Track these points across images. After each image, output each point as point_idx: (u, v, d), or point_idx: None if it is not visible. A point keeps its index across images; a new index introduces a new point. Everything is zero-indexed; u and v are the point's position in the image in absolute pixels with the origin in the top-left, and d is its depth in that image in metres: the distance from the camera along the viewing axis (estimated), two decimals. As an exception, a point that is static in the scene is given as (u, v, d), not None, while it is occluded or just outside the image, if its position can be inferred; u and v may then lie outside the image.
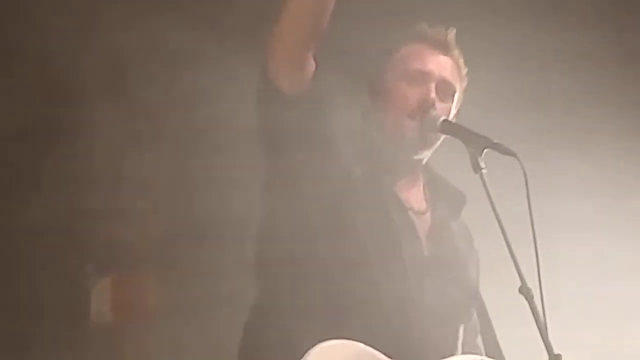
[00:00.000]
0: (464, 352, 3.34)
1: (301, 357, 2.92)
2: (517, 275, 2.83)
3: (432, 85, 3.18)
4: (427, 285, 3.18)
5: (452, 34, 3.34)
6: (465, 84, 3.34)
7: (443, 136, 3.17)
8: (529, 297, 2.78)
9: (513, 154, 2.96)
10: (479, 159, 2.97)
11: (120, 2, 4.85)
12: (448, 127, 3.09)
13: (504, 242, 2.86)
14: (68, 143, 5.01)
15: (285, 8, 2.93)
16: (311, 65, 2.99)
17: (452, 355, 3.26)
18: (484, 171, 2.95)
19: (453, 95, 3.25)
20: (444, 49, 3.29)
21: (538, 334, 2.77)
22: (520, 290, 2.80)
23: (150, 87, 4.75)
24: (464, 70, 3.32)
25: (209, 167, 4.83)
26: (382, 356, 3.02)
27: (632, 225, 4.97)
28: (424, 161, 3.32)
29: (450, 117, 3.22)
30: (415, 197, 3.33)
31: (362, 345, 3.01)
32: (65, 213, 4.66)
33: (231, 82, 4.30)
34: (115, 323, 4.81)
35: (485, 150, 2.99)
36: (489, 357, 3.28)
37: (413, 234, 3.22)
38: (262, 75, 3.02)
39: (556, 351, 2.71)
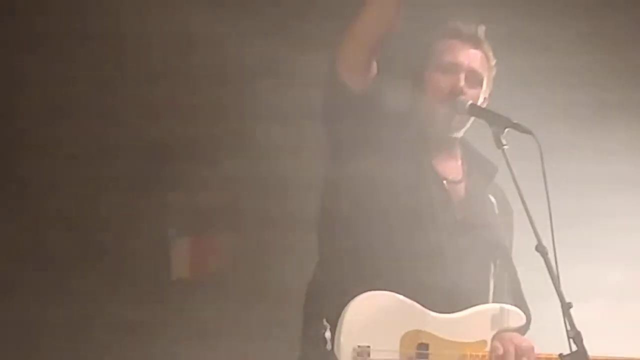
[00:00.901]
0: (494, 302, 3.68)
1: (349, 301, 3.37)
2: (534, 236, 3.20)
3: (462, 75, 3.54)
4: (458, 243, 3.58)
5: (482, 29, 3.71)
6: (493, 73, 3.70)
7: (472, 118, 3.57)
8: (544, 254, 3.15)
9: (530, 132, 3.33)
10: (501, 137, 3.35)
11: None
12: (474, 110, 3.48)
13: (522, 208, 3.26)
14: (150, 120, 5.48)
15: (356, 22, 3.39)
16: (374, 68, 3.45)
17: (483, 304, 3.63)
18: (505, 147, 3.33)
19: (481, 83, 3.62)
20: (475, 43, 3.65)
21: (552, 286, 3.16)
22: (537, 248, 3.16)
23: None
24: (493, 61, 3.69)
25: (272, 138, 5.25)
26: (418, 305, 3.42)
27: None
28: (460, 138, 3.72)
29: (480, 102, 3.60)
30: (451, 168, 3.71)
31: (400, 296, 3.41)
32: (152, 185, 5.04)
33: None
34: (192, 278, 5.26)
35: (507, 130, 3.36)
36: (517, 306, 3.64)
37: (446, 200, 3.62)
38: (332, 75, 3.48)
39: (567, 300, 3.09)
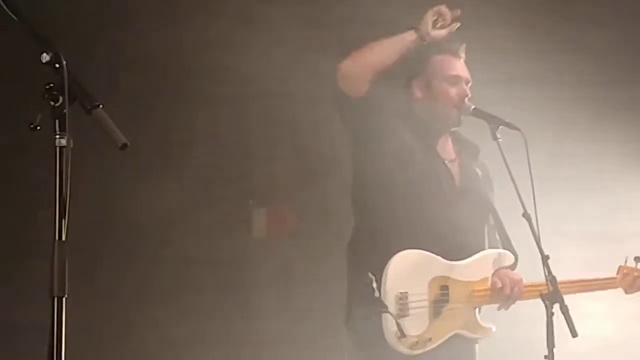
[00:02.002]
0: (489, 248, 4.56)
1: (390, 257, 4.27)
2: (521, 205, 4.05)
3: (464, 84, 4.39)
4: (460, 205, 4.47)
5: (463, 46, 4.53)
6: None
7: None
8: (528, 219, 4.03)
9: (518, 129, 4.20)
10: (496, 132, 4.22)
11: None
12: (477, 112, 4.32)
13: (512, 185, 4.10)
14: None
15: (369, 51, 4.25)
16: (368, 84, 4.26)
17: (482, 250, 4.51)
18: (499, 140, 4.21)
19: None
20: (459, 55, 4.47)
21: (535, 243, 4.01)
22: (523, 215, 4.04)
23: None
24: None
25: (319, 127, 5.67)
26: (439, 257, 4.33)
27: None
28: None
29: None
30: (447, 151, 4.58)
31: (427, 252, 4.32)
32: (235, 164, 5.60)
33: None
34: (267, 238, 5.88)
35: (500, 127, 4.22)
36: (505, 249, 4.50)
37: (449, 175, 4.50)
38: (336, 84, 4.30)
39: (546, 253, 3.96)
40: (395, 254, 4.29)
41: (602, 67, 5.54)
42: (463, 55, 4.42)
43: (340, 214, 5.12)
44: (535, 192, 4.01)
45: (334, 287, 4.55)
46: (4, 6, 2.49)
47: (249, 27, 5.70)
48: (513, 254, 4.51)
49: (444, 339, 4.32)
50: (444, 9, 4.33)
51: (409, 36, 4.34)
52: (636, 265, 4.52)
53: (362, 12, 5.58)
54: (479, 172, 4.66)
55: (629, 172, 5.55)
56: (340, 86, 4.35)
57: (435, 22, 4.32)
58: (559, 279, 3.99)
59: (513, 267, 4.54)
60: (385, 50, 4.35)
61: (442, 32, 4.32)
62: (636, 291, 4.56)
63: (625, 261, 4.51)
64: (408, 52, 4.36)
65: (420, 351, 4.27)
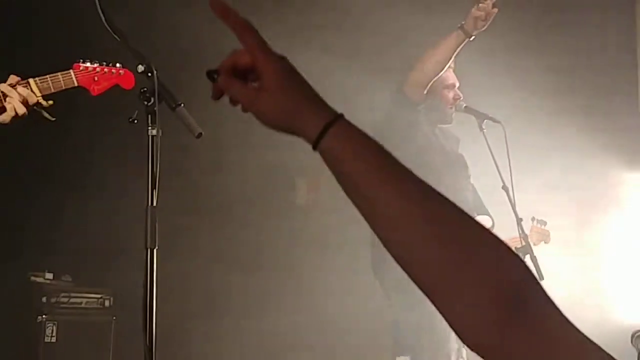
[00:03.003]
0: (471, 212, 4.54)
1: None
2: (501, 180, 4.12)
3: (456, 88, 4.34)
4: (456, 178, 4.38)
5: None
6: None
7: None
8: (507, 191, 4.10)
9: (499, 122, 4.24)
10: (482, 125, 4.27)
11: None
12: (466, 109, 4.34)
13: (495, 166, 4.14)
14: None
15: (428, 60, 4.10)
16: (426, 90, 4.15)
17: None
18: (484, 130, 4.27)
19: None
20: (452, 67, 4.32)
21: (511, 209, 4.07)
22: (502, 187, 4.12)
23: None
24: None
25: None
26: None
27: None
28: None
29: None
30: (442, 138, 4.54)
31: None
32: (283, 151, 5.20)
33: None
34: (307, 204, 5.73)
35: (485, 120, 4.27)
36: (482, 214, 4.44)
37: (447, 151, 4.43)
38: (398, 90, 4.24)
39: (520, 216, 4.05)
40: None
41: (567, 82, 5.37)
42: (453, 65, 4.37)
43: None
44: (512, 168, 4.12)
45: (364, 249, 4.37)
46: (111, 31, 2.58)
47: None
48: (490, 217, 4.49)
49: None
50: (487, 5, 3.98)
51: (458, 37, 4.06)
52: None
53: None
54: (462, 154, 4.65)
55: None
56: (407, 93, 4.18)
57: (478, 19, 3.97)
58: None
59: (491, 228, 4.54)
60: (443, 58, 4.12)
61: (484, 26, 4.02)
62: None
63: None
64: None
65: None
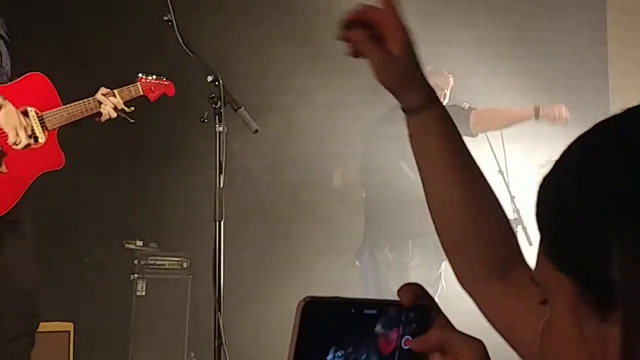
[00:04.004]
0: None
1: None
2: (497, 164, 3.97)
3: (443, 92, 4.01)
4: None
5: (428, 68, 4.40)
6: None
7: None
8: (502, 174, 3.96)
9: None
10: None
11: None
12: (469, 109, 3.98)
13: (493, 155, 3.98)
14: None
15: (493, 117, 3.84)
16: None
17: None
18: None
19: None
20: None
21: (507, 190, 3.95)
22: (499, 172, 3.95)
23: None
24: None
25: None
26: None
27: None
28: None
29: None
30: None
31: None
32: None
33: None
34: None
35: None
36: None
37: None
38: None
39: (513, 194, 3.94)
40: None
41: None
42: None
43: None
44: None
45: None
46: (185, 49, 2.60)
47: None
48: None
49: None
50: (565, 118, 3.76)
51: (529, 118, 3.81)
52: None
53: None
54: None
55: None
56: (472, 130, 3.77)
57: (553, 119, 3.71)
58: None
59: None
60: (506, 124, 3.88)
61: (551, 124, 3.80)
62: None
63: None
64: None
65: None
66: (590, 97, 4.74)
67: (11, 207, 2.54)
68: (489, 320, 0.98)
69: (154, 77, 2.89)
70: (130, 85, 2.85)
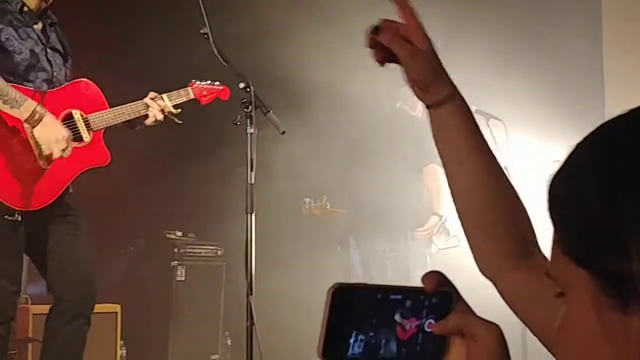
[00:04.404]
0: None
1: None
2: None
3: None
4: None
5: None
6: None
7: None
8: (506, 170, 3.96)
9: (501, 120, 3.97)
10: (488, 122, 3.92)
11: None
12: (477, 111, 3.85)
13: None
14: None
15: None
16: None
17: None
18: (490, 127, 3.98)
19: None
20: None
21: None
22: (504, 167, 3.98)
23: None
24: None
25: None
26: None
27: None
28: None
29: None
30: None
31: None
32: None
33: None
34: None
35: (491, 119, 3.97)
36: None
37: None
38: None
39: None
40: None
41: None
42: None
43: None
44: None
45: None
46: (220, 59, 2.62)
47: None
48: None
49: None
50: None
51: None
52: None
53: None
54: None
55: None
56: None
57: None
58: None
59: None
60: None
61: None
62: None
63: None
64: None
65: None
66: (586, 100, 4.64)
67: (52, 200, 2.55)
68: (509, 303, 0.96)
69: (208, 82, 2.89)
70: (181, 90, 2.87)
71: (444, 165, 0.99)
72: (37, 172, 2.51)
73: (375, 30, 0.94)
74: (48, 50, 2.63)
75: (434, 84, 0.96)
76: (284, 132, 2.70)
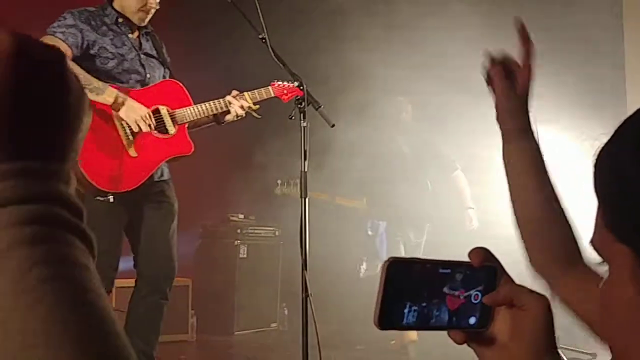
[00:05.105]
0: None
1: None
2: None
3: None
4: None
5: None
6: None
7: None
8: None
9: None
10: None
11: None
12: None
13: None
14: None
15: None
16: None
17: None
18: None
19: None
20: None
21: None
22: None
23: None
24: None
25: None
26: None
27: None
28: None
29: None
30: None
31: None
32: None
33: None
34: None
35: None
36: None
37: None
38: None
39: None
40: None
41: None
42: None
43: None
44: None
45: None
46: (276, 61, 2.59)
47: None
48: None
49: None
50: None
51: None
52: None
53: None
54: None
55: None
56: None
57: None
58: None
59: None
60: None
61: None
62: None
63: None
64: None
65: None
66: (608, 98, 4.38)
67: (139, 183, 2.57)
68: (561, 302, 0.97)
69: (287, 82, 2.88)
70: (262, 89, 2.86)
71: (510, 189, 1.03)
72: (126, 158, 2.55)
73: (492, 61, 1.00)
74: (142, 55, 2.70)
75: (511, 120, 1.01)
76: (333, 125, 2.66)
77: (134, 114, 2.54)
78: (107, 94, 2.49)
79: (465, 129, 4.32)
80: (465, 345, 0.64)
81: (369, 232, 4.56)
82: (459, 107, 4.29)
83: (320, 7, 4.87)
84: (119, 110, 2.52)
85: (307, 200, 2.54)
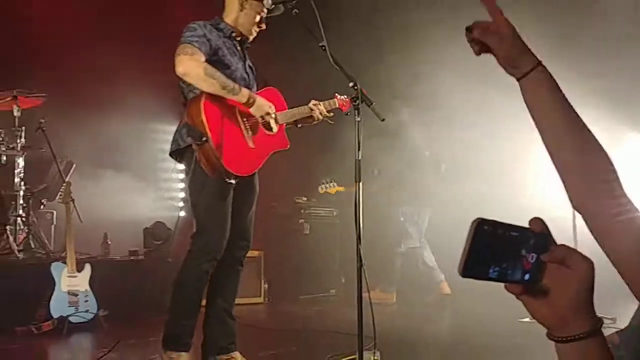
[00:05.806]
0: None
1: None
2: None
3: None
4: None
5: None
6: None
7: None
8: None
9: None
10: None
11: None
12: None
13: None
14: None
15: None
16: None
17: None
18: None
19: None
20: None
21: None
22: None
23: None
24: None
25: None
26: None
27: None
28: None
29: None
30: None
31: None
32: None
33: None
34: None
35: None
36: None
37: None
38: None
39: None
40: None
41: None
42: None
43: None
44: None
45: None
46: (334, 65, 2.60)
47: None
48: None
49: None
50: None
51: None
52: None
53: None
54: None
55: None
56: None
57: None
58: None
59: None
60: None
61: None
62: None
63: None
64: None
65: None
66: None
67: (254, 170, 2.71)
68: (594, 235, 0.87)
69: (345, 96, 2.95)
70: (330, 100, 2.95)
71: (536, 124, 0.92)
72: (247, 149, 2.66)
73: (469, 29, 0.92)
74: (246, 64, 2.78)
75: (520, 59, 0.91)
76: (383, 120, 2.67)
77: (262, 109, 2.65)
78: (242, 94, 2.58)
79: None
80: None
81: (401, 218, 4.68)
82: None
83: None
84: (250, 107, 2.61)
85: (360, 184, 2.58)
